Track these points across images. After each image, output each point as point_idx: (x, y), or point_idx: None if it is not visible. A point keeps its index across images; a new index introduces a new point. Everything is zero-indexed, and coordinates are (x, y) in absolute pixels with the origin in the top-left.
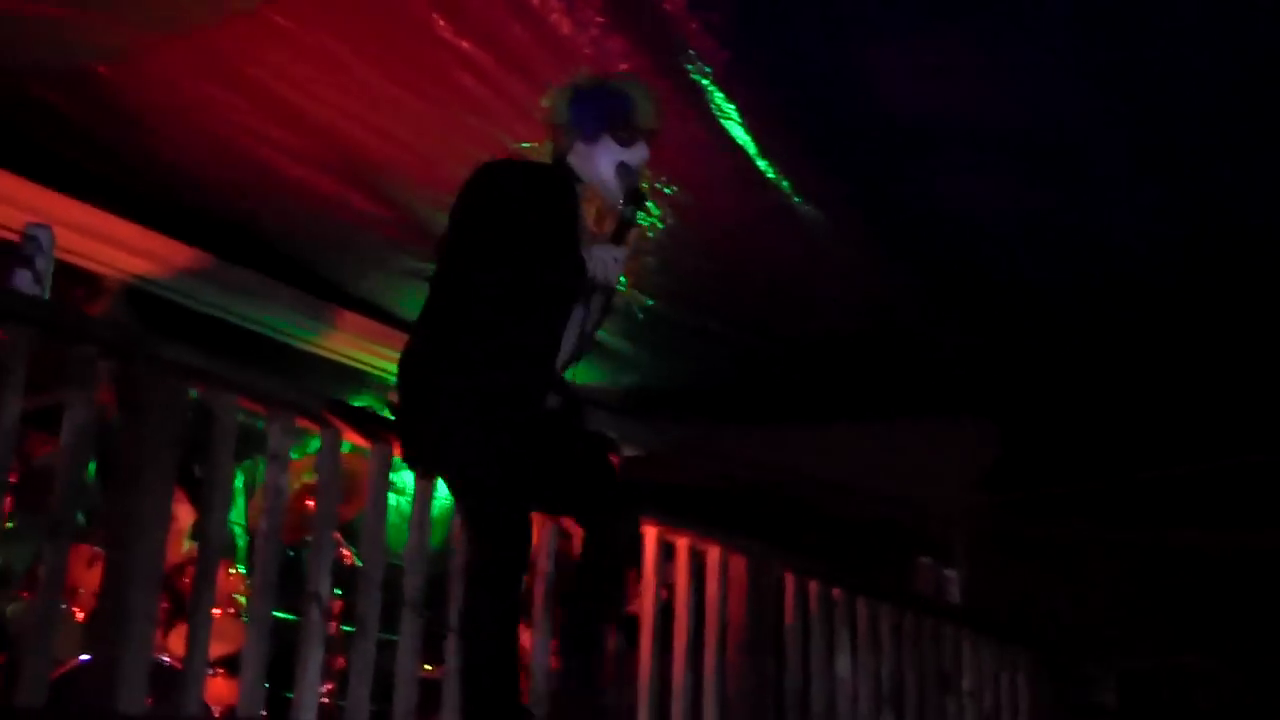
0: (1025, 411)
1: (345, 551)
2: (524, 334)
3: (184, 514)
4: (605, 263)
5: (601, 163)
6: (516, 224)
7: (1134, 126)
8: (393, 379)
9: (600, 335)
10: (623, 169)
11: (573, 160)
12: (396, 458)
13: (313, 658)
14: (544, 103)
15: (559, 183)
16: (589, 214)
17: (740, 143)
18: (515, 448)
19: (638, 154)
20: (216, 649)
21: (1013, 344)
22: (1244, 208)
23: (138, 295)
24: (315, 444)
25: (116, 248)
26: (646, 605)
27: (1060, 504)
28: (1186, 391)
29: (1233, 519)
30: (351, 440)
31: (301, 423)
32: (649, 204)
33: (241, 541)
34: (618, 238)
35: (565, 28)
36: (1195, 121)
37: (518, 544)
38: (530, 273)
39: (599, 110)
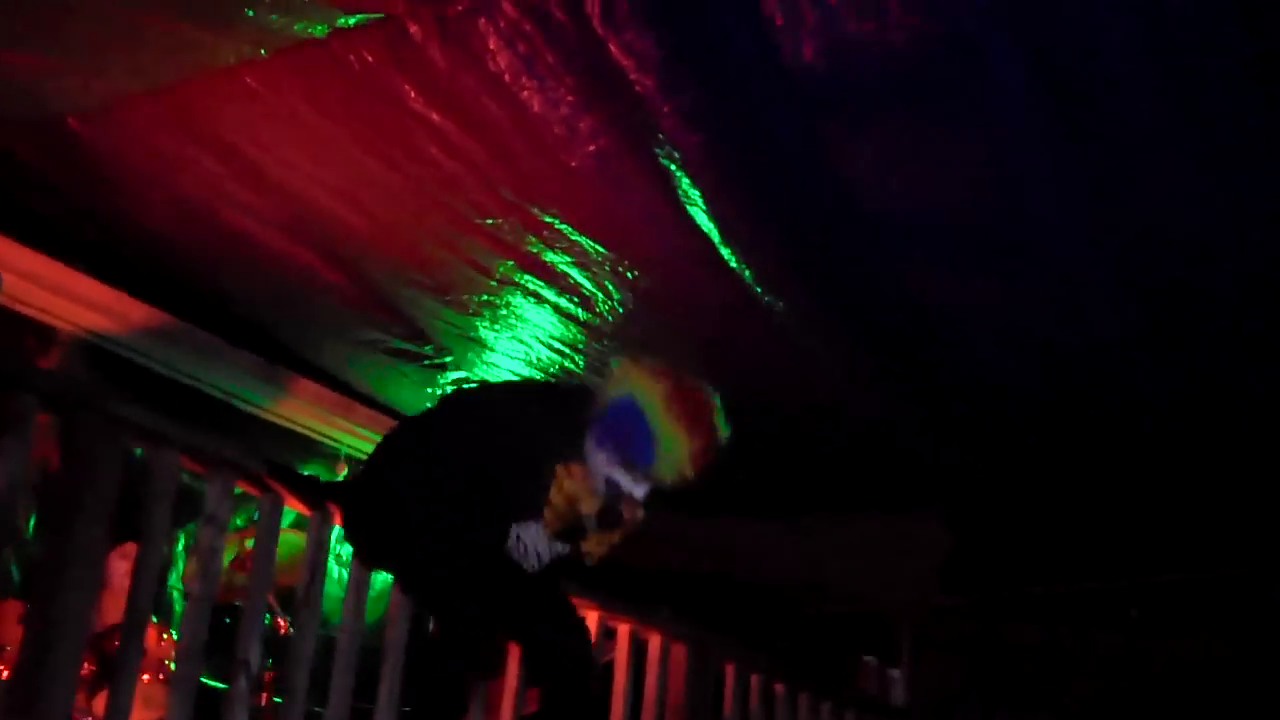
0: (979, 515)
1: (281, 620)
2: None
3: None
4: (531, 551)
5: (596, 465)
6: (461, 466)
7: (1103, 234)
8: (344, 448)
9: None
10: (610, 485)
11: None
12: (338, 527)
13: None
14: (611, 366)
15: (541, 441)
16: (565, 493)
17: (704, 228)
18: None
19: (635, 486)
20: (144, 716)
21: (970, 447)
22: (1211, 324)
23: (92, 351)
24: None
25: (72, 300)
26: None
27: (1009, 607)
28: (1143, 504)
29: (1179, 629)
30: (292, 506)
31: (242, 485)
32: (612, 531)
33: (179, 606)
34: (563, 536)
35: (537, 105)
36: (1162, 231)
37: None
38: (451, 519)
39: (621, 436)
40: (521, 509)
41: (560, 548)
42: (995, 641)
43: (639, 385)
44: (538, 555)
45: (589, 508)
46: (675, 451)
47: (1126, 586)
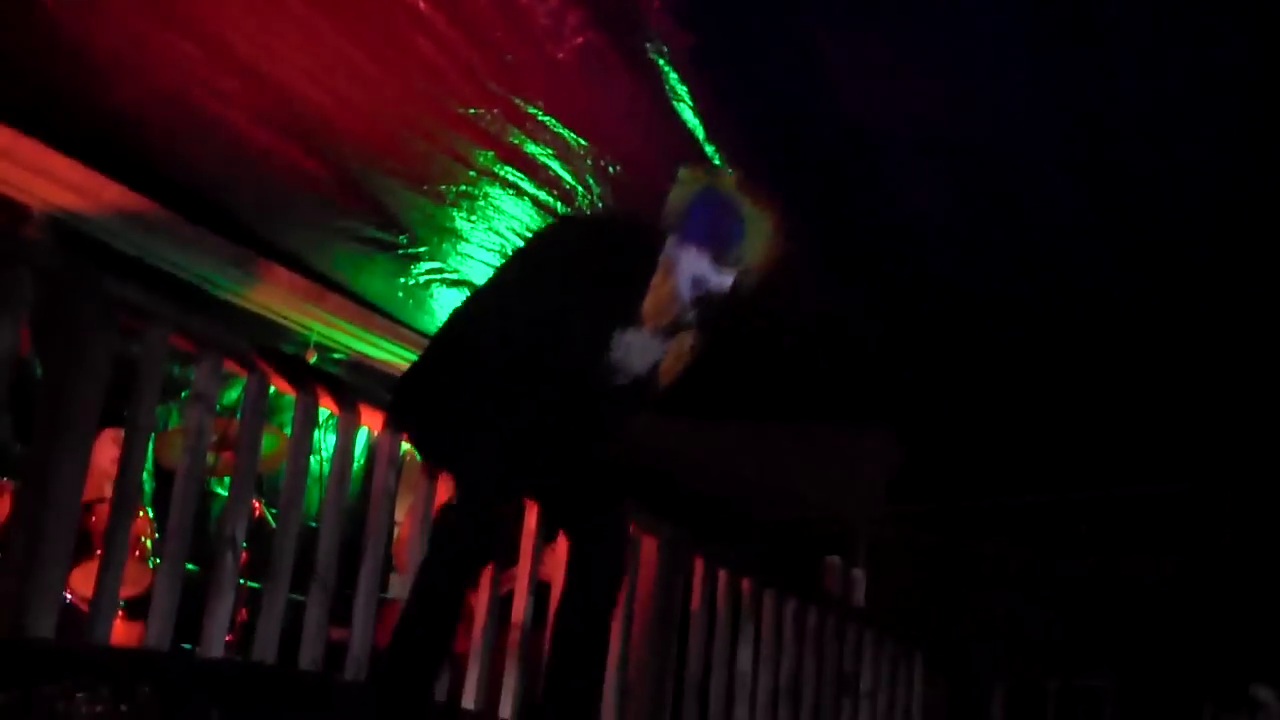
0: (934, 426)
1: (255, 503)
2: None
3: (110, 454)
4: (634, 350)
5: (683, 264)
6: (548, 284)
7: (1077, 145)
8: (314, 336)
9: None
10: (697, 283)
11: (670, 240)
12: (322, 409)
13: (223, 603)
14: (679, 173)
15: (629, 253)
16: (657, 298)
17: (689, 125)
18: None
19: (721, 279)
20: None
21: (927, 356)
22: (1178, 238)
23: (66, 230)
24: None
25: (44, 178)
26: (558, 577)
27: (964, 518)
28: (1096, 418)
29: (1130, 545)
30: (278, 386)
31: (229, 365)
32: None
33: (148, 484)
34: (665, 333)
35: None
36: (1137, 144)
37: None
38: (544, 335)
39: (709, 224)
40: (614, 327)
41: (657, 349)
42: (951, 550)
43: (712, 179)
44: (643, 351)
45: (677, 311)
46: (759, 229)
47: (1079, 500)
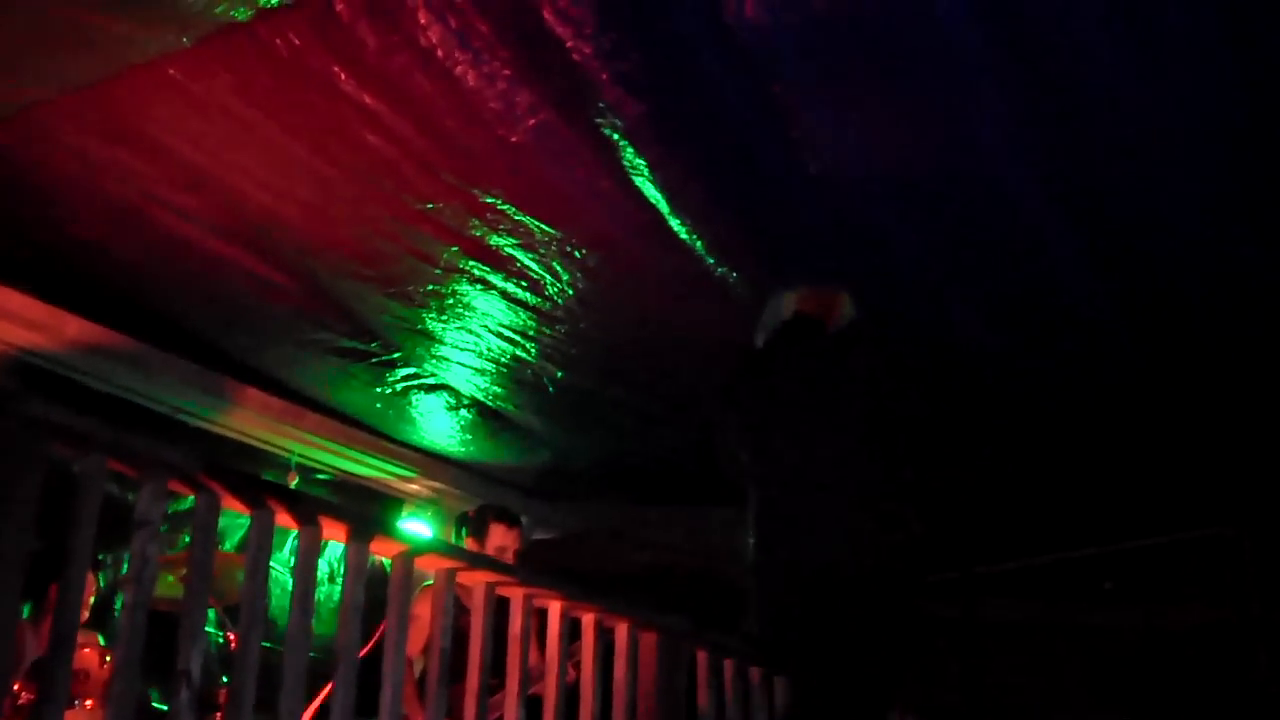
0: (948, 493)
1: (233, 635)
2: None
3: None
4: None
5: None
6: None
7: (1060, 182)
8: (294, 457)
9: (510, 410)
10: None
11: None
12: (279, 526)
13: None
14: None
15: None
16: None
17: (652, 200)
18: None
19: None
20: None
21: (938, 423)
22: (1173, 271)
23: (28, 370)
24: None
25: (3, 318)
26: (550, 686)
27: (985, 585)
28: (1106, 471)
29: (1154, 597)
30: (230, 506)
31: (175, 486)
32: None
33: None
34: None
35: (471, 80)
36: (1122, 178)
37: None
38: None
39: None
40: None
41: None
42: (972, 621)
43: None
44: None
45: None
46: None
47: (1102, 555)
